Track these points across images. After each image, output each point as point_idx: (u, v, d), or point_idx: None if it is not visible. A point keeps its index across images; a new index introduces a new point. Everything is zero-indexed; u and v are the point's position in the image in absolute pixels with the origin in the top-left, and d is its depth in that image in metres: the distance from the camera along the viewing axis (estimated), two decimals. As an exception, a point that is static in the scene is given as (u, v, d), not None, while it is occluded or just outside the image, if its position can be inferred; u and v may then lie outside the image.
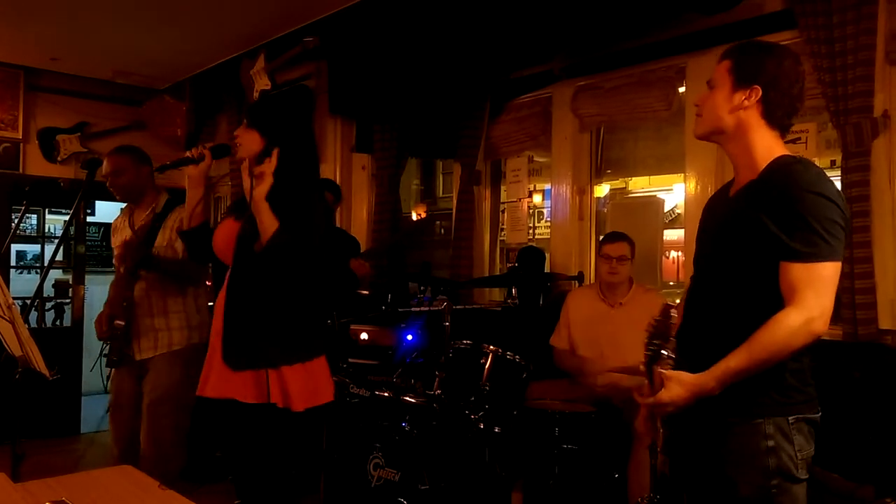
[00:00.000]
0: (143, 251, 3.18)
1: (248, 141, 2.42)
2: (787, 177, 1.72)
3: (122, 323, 3.17)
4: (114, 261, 3.47)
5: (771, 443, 1.73)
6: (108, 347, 3.24)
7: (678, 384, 1.72)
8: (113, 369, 3.28)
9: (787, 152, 1.82)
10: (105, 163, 3.29)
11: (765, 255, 1.71)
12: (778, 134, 1.83)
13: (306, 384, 2.36)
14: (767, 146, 1.80)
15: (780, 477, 1.74)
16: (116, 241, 3.42)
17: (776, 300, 1.69)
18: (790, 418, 1.74)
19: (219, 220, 2.72)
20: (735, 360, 1.68)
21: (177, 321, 3.26)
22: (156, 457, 3.13)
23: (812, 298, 1.64)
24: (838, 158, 3.08)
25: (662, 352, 1.71)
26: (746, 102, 1.79)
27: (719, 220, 1.89)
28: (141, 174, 3.34)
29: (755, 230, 1.72)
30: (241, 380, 2.31)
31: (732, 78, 1.81)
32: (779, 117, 1.81)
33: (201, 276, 3.47)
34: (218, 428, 2.46)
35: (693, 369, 1.74)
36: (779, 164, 1.77)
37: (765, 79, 1.78)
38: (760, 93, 1.78)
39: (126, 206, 3.46)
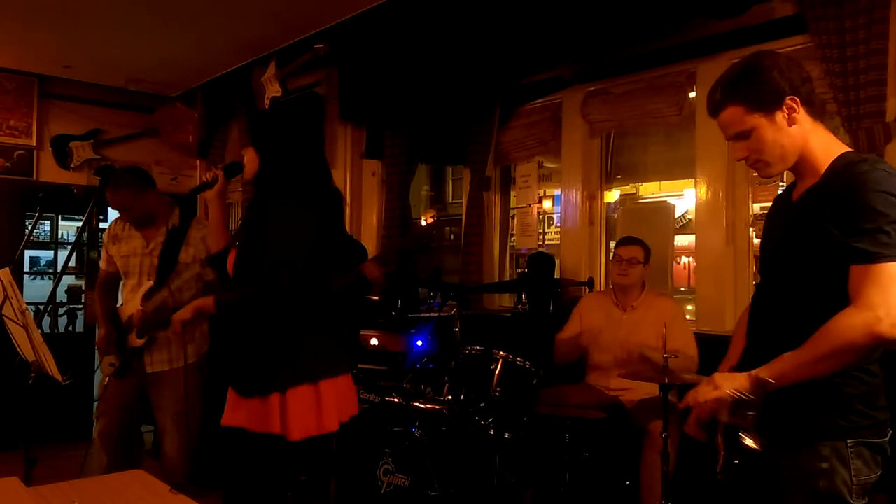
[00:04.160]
0: (161, 317, 3.09)
1: (249, 160, 2.42)
2: (852, 178, 1.62)
3: (143, 341, 3.14)
4: (108, 267, 3.34)
5: (825, 465, 1.66)
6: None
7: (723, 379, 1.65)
8: (109, 378, 3.26)
9: (844, 148, 1.74)
10: (108, 198, 3.19)
11: (833, 262, 1.62)
12: (822, 125, 1.75)
13: (309, 411, 2.29)
14: (824, 146, 1.73)
15: (829, 501, 1.67)
16: (122, 250, 3.28)
17: (846, 306, 1.60)
18: (849, 442, 1.66)
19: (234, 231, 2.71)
20: (790, 356, 1.58)
21: (190, 334, 3.18)
22: (182, 465, 3.16)
23: (876, 296, 1.53)
24: (850, 163, 3.06)
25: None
26: (795, 115, 1.69)
27: (784, 225, 1.81)
28: (147, 201, 3.21)
29: (822, 237, 1.64)
30: (249, 407, 2.28)
31: (759, 112, 1.70)
32: (818, 104, 1.73)
33: None
34: (229, 452, 2.42)
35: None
36: (843, 164, 1.68)
37: (787, 86, 1.69)
38: (798, 98, 1.69)
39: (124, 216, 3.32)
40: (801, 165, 1.76)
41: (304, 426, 2.28)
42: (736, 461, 1.71)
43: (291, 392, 2.26)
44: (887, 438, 1.73)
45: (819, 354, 1.58)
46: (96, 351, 3.44)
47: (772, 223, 1.91)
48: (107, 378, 3.27)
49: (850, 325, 1.55)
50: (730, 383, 1.64)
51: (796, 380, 1.61)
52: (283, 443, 2.26)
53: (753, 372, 1.64)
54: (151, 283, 3.17)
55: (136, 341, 3.17)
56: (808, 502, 1.69)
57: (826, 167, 1.71)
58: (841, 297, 1.62)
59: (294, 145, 2.42)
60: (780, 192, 3.54)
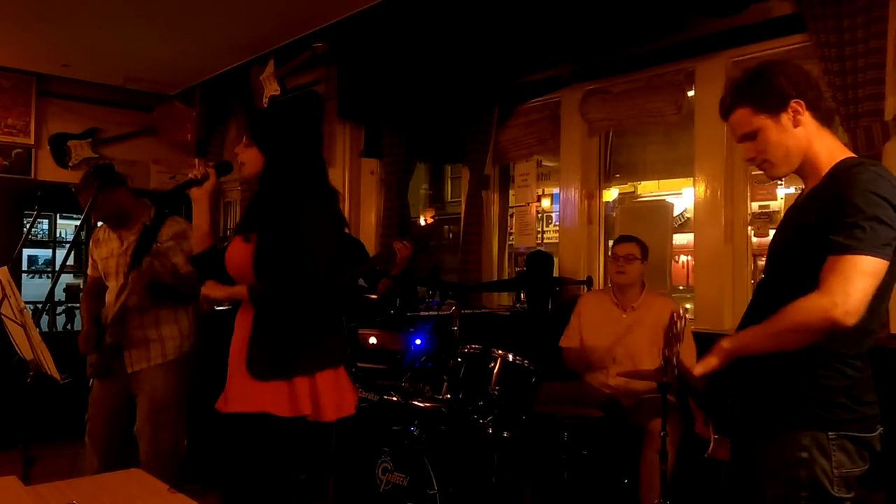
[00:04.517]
0: (151, 277, 3.08)
1: (250, 159, 2.38)
2: (844, 179, 1.70)
3: (113, 338, 3.12)
4: (93, 272, 3.37)
5: (804, 454, 1.71)
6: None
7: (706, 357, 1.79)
8: (94, 380, 3.24)
9: (848, 153, 1.80)
10: (79, 202, 3.18)
11: (817, 257, 1.68)
12: (828, 131, 1.81)
13: (336, 393, 2.35)
14: (828, 151, 1.79)
15: (810, 490, 1.71)
16: (102, 253, 3.31)
17: None
18: (830, 434, 1.71)
19: (230, 229, 2.64)
20: (751, 328, 1.71)
21: (168, 330, 3.21)
22: (158, 465, 3.13)
23: (837, 284, 1.61)
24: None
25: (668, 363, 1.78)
26: (800, 117, 1.77)
27: (788, 225, 1.89)
28: (115, 199, 3.19)
29: (808, 233, 1.72)
30: (273, 392, 2.27)
31: (763, 114, 1.78)
32: (824, 109, 1.81)
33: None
34: (238, 440, 2.40)
35: (750, 367, 1.77)
36: (840, 168, 1.75)
37: (792, 89, 1.76)
38: (804, 102, 1.76)
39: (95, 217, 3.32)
40: (805, 168, 1.83)
41: (336, 406, 2.34)
42: (720, 437, 1.79)
43: (320, 374, 2.31)
44: (875, 434, 1.77)
45: (776, 330, 1.69)
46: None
47: (781, 225, 1.97)
48: (90, 380, 3.27)
49: (808, 306, 1.64)
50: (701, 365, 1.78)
51: (754, 351, 1.73)
52: (310, 425, 2.30)
53: (719, 341, 1.78)
54: (122, 281, 3.16)
55: (107, 339, 3.15)
56: (787, 490, 1.73)
57: (828, 170, 1.77)
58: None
59: (300, 143, 2.40)
60: (778, 191, 3.60)
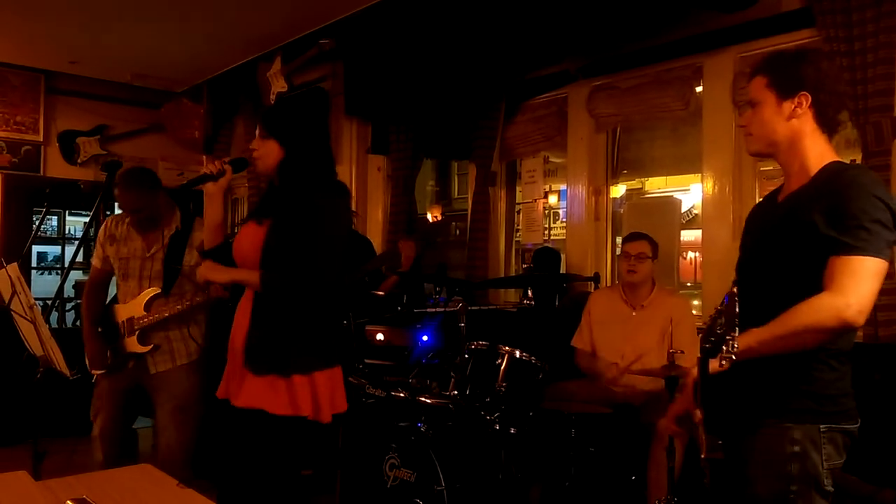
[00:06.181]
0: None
1: (267, 152, 2.35)
2: (842, 179, 1.71)
3: (147, 347, 3.12)
4: (103, 265, 3.26)
5: (797, 448, 1.72)
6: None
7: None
8: (99, 375, 3.24)
9: (837, 158, 1.81)
10: (118, 198, 3.12)
11: (815, 257, 1.69)
12: (827, 137, 1.82)
13: (333, 392, 2.35)
14: (819, 153, 1.80)
15: (801, 483, 1.72)
16: (121, 252, 3.20)
17: None
18: (822, 427, 1.73)
19: (237, 224, 2.65)
20: (758, 330, 1.66)
21: (195, 330, 3.21)
22: (178, 462, 3.15)
23: (849, 286, 1.62)
24: (858, 157, 3.05)
25: (724, 344, 1.54)
26: (799, 110, 1.78)
27: (767, 225, 1.88)
28: (158, 201, 3.15)
29: (806, 233, 1.71)
30: (271, 388, 2.26)
31: (774, 91, 1.80)
32: (830, 118, 1.81)
33: None
34: (236, 434, 2.40)
35: (738, 374, 1.71)
36: (833, 169, 1.76)
37: (810, 84, 1.77)
38: (810, 98, 1.77)
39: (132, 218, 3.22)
40: (791, 165, 1.83)
41: (331, 406, 2.33)
42: (720, 442, 1.75)
43: (319, 374, 2.30)
44: (857, 425, 1.78)
45: (786, 331, 1.66)
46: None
47: (752, 226, 1.96)
48: (96, 375, 3.26)
49: (821, 307, 1.64)
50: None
51: (761, 353, 1.69)
52: (309, 424, 2.30)
53: None
54: (157, 290, 3.14)
55: (133, 346, 3.14)
56: (779, 485, 1.74)
57: (816, 171, 1.78)
58: (818, 290, 1.68)
59: (316, 135, 2.40)
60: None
